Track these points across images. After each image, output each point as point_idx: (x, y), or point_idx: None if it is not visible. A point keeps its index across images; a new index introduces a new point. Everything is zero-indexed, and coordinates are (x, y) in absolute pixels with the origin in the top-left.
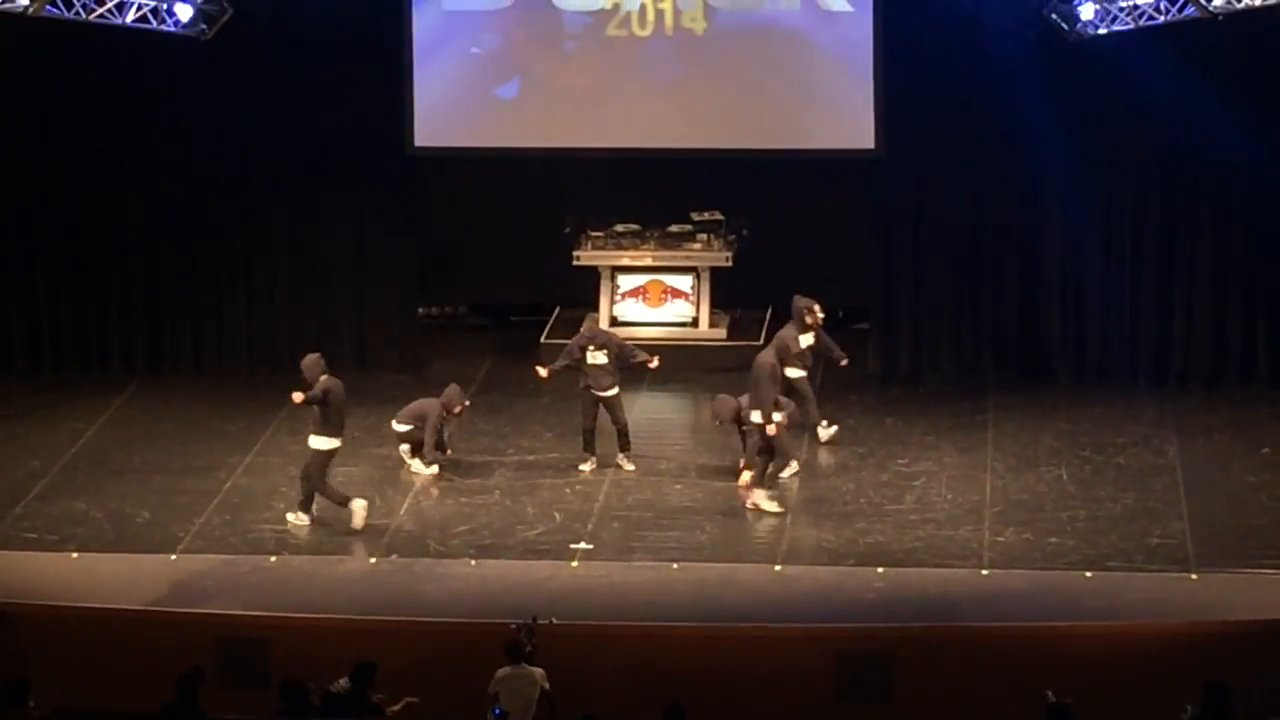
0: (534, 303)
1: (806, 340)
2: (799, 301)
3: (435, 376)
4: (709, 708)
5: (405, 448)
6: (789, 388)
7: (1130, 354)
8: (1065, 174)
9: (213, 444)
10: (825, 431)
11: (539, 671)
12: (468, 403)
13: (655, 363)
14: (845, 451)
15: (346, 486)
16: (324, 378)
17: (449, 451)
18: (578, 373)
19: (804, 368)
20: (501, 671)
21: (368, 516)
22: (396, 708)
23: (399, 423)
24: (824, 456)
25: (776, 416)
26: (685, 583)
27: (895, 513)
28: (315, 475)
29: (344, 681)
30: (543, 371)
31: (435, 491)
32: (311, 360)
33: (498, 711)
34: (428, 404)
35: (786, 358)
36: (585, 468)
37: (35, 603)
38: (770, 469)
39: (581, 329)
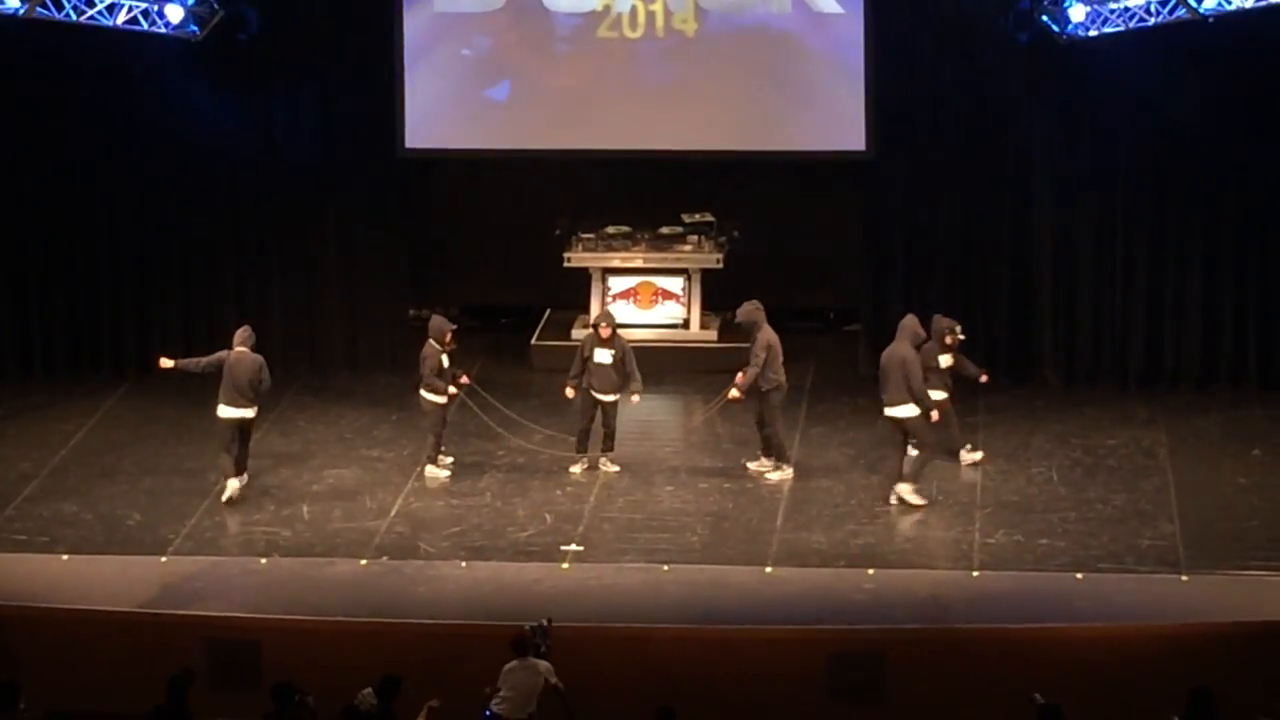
0: (525, 304)
1: (946, 361)
2: (941, 322)
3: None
4: (700, 709)
5: (429, 469)
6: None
7: (1121, 355)
8: (1056, 175)
9: (203, 446)
10: (969, 455)
11: (545, 664)
12: (455, 328)
13: (636, 398)
14: (836, 453)
15: (338, 488)
16: (232, 350)
17: (464, 379)
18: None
19: (946, 389)
20: (508, 665)
21: (234, 496)
22: (420, 717)
23: (429, 393)
24: (815, 458)
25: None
26: (676, 584)
27: (885, 514)
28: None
29: (368, 693)
30: (570, 392)
31: (445, 475)
32: (239, 330)
33: (488, 714)
34: (424, 351)
35: (919, 347)
36: (576, 469)
37: (25, 605)
38: (920, 463)
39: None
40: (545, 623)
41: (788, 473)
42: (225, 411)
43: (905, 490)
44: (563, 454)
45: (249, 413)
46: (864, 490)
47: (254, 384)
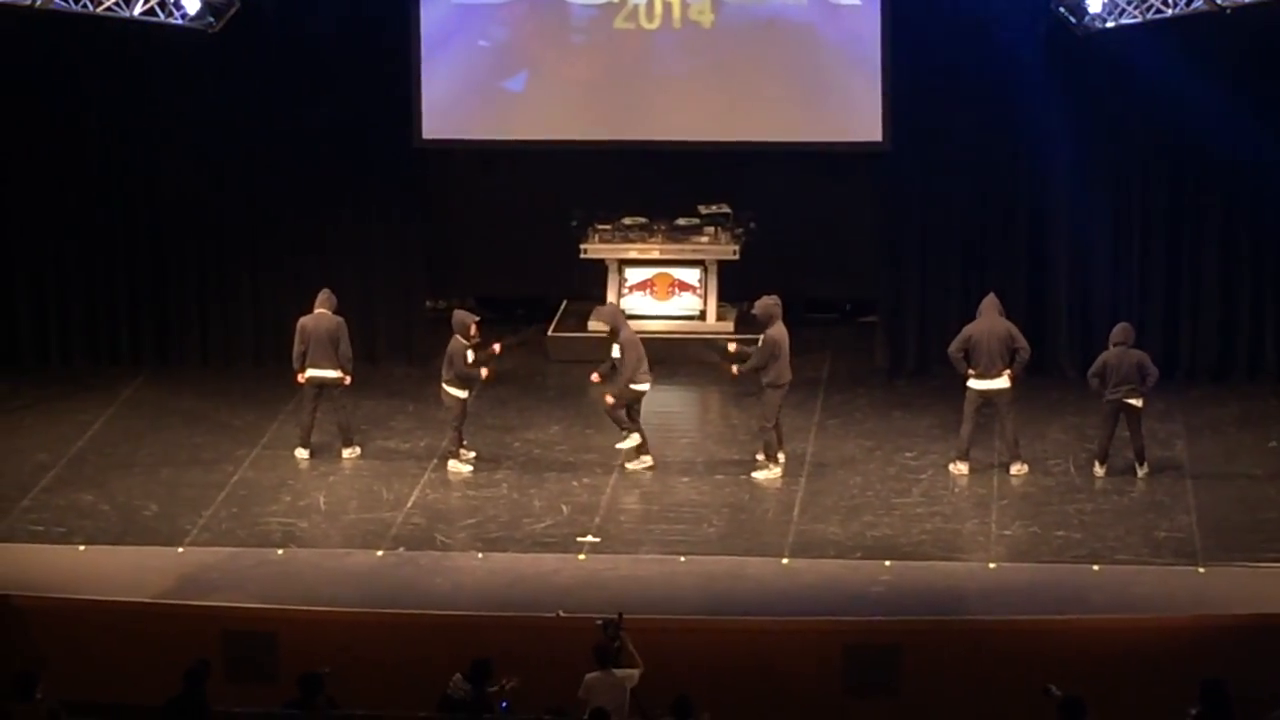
0: (541, 295)
1: None
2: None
3: (441, 369)
4: (716, 701)
5: (452, 464)
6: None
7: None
8: (1072, 167)
9: (220, 437)
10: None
11: (625, 673)
12: (479, 320)
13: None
14: (852, 445)
15: (354, 478)
16: (312, 313)
17: (496, 348)
18: (585, 366)
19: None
20: (590, 676)
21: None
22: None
23: (450, 386)
24: (831, 450)
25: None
26: (692, 576)
27: (902, 506)
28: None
29: (458, 679)
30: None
31: (468, 470)
32: (320, 293)
33: (504, 705)
34: (450, 347)
35: None
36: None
37: (43, 595)
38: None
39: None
40: (617, 617)
41: (775, 471)
42: (307, 372)
43: (1021, 468)
44: (578, 446)
45: (329, 373)
46: (880, 482)
47: (335, 344)
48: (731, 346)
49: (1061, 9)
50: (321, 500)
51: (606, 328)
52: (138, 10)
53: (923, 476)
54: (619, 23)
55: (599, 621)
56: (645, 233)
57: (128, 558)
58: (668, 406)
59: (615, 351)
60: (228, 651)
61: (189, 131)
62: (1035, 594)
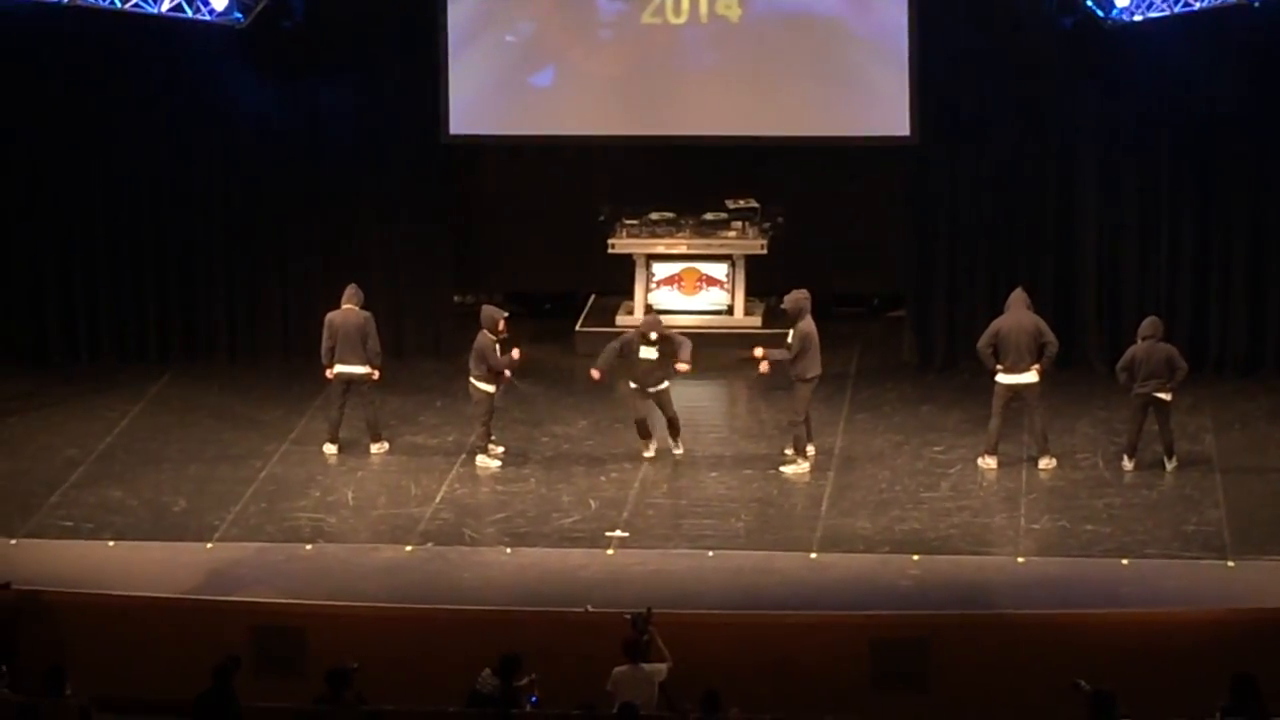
0: (569, 290)
1: None
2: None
3: (469, 364)
4: (745, 695)
5: (480, 458)
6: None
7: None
8: (1101, 161)
9: (248, 432)
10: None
11: (654, 668)
12: (507, 315)
13: (683, 366)
14: (880, 439)
15: (382, 474)
16: (339, 309)
17: (515, 353)
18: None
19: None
20: (618, 670)
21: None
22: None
23: (479, 381)
24: (860, 444)
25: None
26: (721, 570)
27: (931, 500)
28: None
29: (487, 674)
30: (596, 374)
31: (496, 465)
32: (347, 288)
33: (534, 700)
34: (478, 342)
35: None
36: (648, 454)
37: (72, 591)
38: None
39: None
40: (646, 611)
41: (803, 466)
42: (335, 367)
43: (1049, 462)
44: (606, 441)
45: (356, 369)
46: (909, 476)
47: (362, 340)
48: (758, 351)
49: (1090, 2)
50: (350, 495)
51: (655, 335)
52: (165, 6)
53: (951, 471)
54: (646, 17)
55: (628, 616)
56: (673, 227)
57: (157, 553)
58: (696, 401)
59: (650, 353)
60: (257, 647)
61: (217, 128)
62: (1064, 588)
